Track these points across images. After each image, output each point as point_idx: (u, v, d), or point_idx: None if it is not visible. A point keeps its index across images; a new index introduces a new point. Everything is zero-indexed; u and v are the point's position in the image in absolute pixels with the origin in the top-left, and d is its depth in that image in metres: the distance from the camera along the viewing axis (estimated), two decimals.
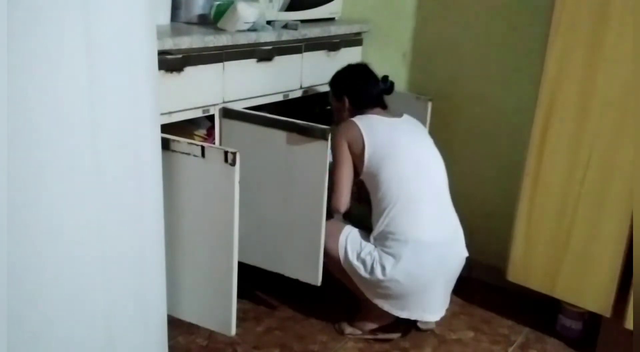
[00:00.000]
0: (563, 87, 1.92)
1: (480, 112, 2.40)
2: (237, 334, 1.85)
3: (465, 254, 2.07)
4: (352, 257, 2.00)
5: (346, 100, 2.14)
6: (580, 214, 1.95)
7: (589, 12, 1.82)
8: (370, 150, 2.00)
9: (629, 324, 1.87)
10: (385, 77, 2.18)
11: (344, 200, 2.04)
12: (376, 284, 1.97)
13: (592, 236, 1.94)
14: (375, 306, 2.03)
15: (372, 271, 1.96)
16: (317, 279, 2.01)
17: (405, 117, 2.14)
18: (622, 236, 1.88)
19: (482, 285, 2.45)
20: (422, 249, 1.93)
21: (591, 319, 2.12)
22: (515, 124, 2.29)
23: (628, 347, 1.83)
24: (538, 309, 2.26)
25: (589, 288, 1.97)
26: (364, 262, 1.98)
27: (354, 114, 2.11)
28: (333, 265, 2.04)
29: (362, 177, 2.05)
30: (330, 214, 2.02)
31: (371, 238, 2.01)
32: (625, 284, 1.89)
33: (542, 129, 1.98)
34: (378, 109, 2.12)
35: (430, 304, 2.02)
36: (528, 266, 2.10)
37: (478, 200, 2.46)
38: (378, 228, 1.99)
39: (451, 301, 2.34)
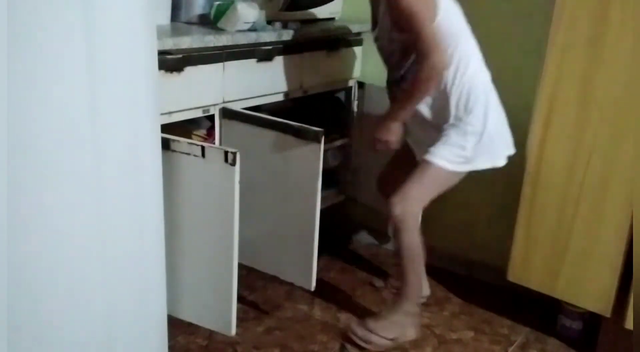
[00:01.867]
0: (563, 87, 1.92)
1: None
2: (237, 334, 1.85)
3: None
4: (451, 152, 1.94)
5: None
6: (580, 214, 1.95)
7: (589, 11, 1.82)
8: (439, 16, 1.87)
9: (629, 324, 1.87)
10: None
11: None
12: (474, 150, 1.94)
13: (592, 236, 1.94)
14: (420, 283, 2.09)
15: (468, 139, 1.93)
16: (311, 284, 2.00)
17: None
18: (622, 236, 1.88)
19: (482, 285, 2.45)
20: (491, 90, 1.99)
21: (591, 319, 2.12)
22: (516, 124, 2.28)
23: (628, 347, 1.83)
24: (538, 309, 2.26)
25: (589, 288, 1.97)
26: (461, 141, 1.93)
27: None
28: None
29: None
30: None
31: (451, 118, 1.94)
32: (625, 284, 1.89)
33: (542, 129, 1.98)
34: None
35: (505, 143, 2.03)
36: (528, 266, 2.10)
37: (478, 200, 2.46)
38: (459, 98, 1.93)
39: (451, 301, 2.35)
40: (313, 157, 1.87)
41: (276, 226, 2.02)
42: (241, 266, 1.80)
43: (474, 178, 2.45)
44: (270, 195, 2.01)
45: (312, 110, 2.48)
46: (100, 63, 1.22)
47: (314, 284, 1.99)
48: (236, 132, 2.00)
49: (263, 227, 2.04)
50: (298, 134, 1.89)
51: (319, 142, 1.85)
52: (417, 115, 2.03)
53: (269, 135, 1.95)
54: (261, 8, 2.05)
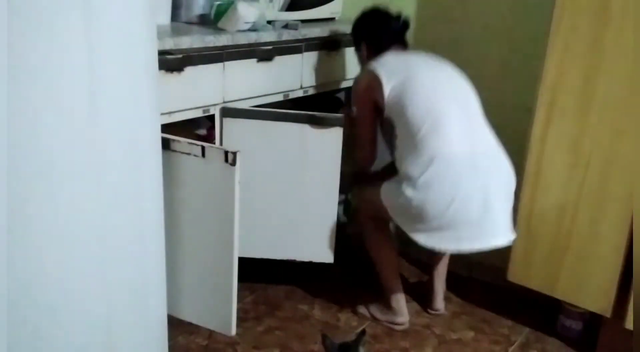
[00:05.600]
0: (563, 87, 1.92)
1: None
2: (237, 334, 1.85)
3: (510, 169, 1.93)
4: (388, 190, 1.97)
5: (364, 47, 2.18)
6: (580, 214, 1.95)
7: (589, 12, 1.82)
8: (387, 85, 1.95)
9: (629, 324, 1.87)
10: (398, 16, 2.16)
11: (370, 155, 2.10)
12: (410, 210, 1.89)
13: (592, 236, 1.94)
14: (393, 301, 2.14)
15: (402, 193, 1.89)
16: (331, 257, 2.15)
17: (424, 53, 2.11)
18: (622, 236, 1.88)
19: (482, 285, 2.45)
20: (451, 160, 1.86)
21: (591, 319, 2.12)
22: (516, 124, 2.29)
23: (628, 347, 1.83)
24: (538, 309, 2.26)
25: (589, 288, 1.97)
26: (396, 188, 1.92)
27: (373, 58, 2.09)
28: (367, 215, 2.11)
29: (386, 113, 1.99)
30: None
31: (401, 174, 1.93)
32: (625, 284, 1.89)
33: (542, 129, 1.98)
34: (396, 47, 2.12)
35: (472, 230, 1.89)
36: (528, 266, 2.09)
37: None
38: (407, 159, 1.91)
39: (451, 301, 2.35)
40: (335, 140, 2.02)
41: (295, 211, 2.10)
42: (243, 266, 1.80)
43: None
44: (287, 183, 2.08)
45: (312, 111, 2.48)
46: (100, 63, 1.22)
47: (332, 256, 2.15)
48: (238, 130, 2.00)
49: (280, 215, 2.11)
50: (320, 122, 2.02)
51: (342, 126, 2.00)
52: None
53: (284, 127, 2.02)
54: (261, 8, 2.05)
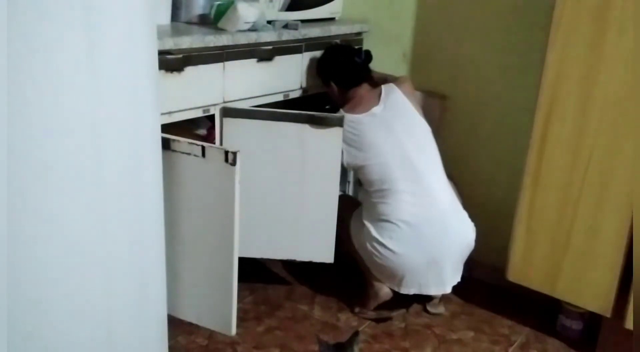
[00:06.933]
0: (563, 87, 1.92)
1: (480, 112, 2.40)
2: (237, 334, 1.85)
3: (468, 231, 2.16)
4: (355, 227, 2.20)
5: (333, 85, 2.29)
6: (580, 214, 1.95)
7: (589, 12, 1.82)
8: (348, 156, 2.15)
9: (629, 324, 1.87)
10: (359, 50, 2.29)
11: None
12: (366, 248, 2.13)
13: (592, 236, 1.94)
14: (374, 285, 2.18)
15: (362, 239, 2.15)
16: (331, 257, 2.16)
17: (383, 98, 2.20)
18: (622, 236, 1.88)
19: (482, 285, 2.45)
20: (395, 231, 2.07)
21: (591, 319, 2.12)
22: (516, 124, 2.29)
23: (628, 347, 1.84)
24: (538, 309, 2.26)
25: (589, 288, 1.97)
26: (360, 227, 2.16)
27: (344, 94, 2.27)
28: (344, 234, 2.21)
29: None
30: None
31: (363, 214, 2.16)
32: (625, 284, 1.89)
33: (542, 129, 1.98)
34: (365, 87, 2.26)
35: (427, 280, 2.13)
36: (528, 266, 2.10)
37: (478, 200, 2.46)
38: (366, 208, 2.16)
39: (451, 301, 2.35)
40: (335, 140, 2.05)
41: (296, 210, 2.12)
42: (243, 266, 1.80)
43: (474, 178, 2.46)
44: (288, 183, 2.09)
45: (312, 111, 2.48)
46: (100, 63, 1.23)
47: (332, 256, 2.15)
48: (239, 130, 2.00)
49: (280, 215, 2.12)
50: (320, 122, 2.03)
51: (342, 126, 2.04)
52: None
53: (284, 127, 2.03)
54: (261, 8, 2.06)
